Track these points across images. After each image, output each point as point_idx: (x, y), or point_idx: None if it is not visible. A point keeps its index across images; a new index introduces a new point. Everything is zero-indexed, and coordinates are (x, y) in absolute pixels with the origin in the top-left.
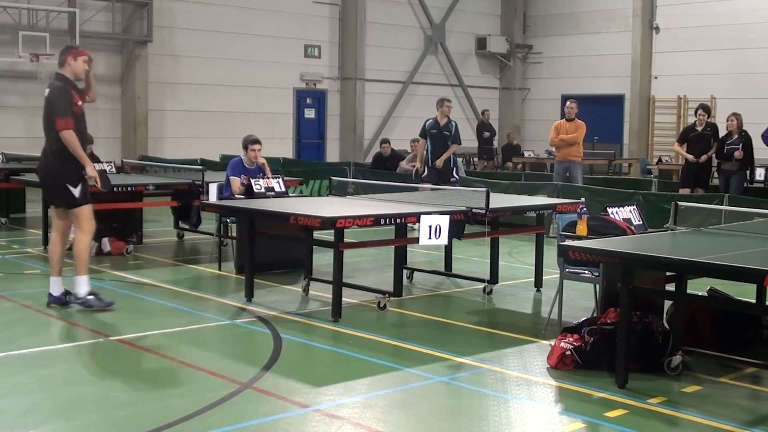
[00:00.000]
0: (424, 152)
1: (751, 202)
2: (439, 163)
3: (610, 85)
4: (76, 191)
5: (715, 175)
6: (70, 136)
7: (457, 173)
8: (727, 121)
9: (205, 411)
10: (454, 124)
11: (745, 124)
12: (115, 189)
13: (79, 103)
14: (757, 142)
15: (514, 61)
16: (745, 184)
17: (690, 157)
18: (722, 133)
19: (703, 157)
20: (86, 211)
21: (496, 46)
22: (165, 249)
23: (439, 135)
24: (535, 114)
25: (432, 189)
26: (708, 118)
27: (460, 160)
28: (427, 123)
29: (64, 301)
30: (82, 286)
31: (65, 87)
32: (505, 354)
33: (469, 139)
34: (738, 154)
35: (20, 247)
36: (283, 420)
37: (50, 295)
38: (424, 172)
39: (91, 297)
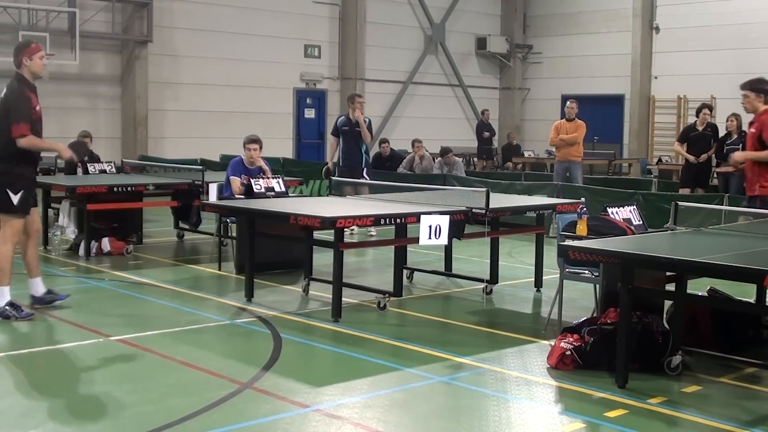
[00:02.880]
0: (336, 151)
1: None
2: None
3: (610, 85)
4: (15, 198)
5: (715, 175)
6: (28, 142)
7: (367, 173)
8: (727, 121)
9: (205, 411)
10: (368, 120)
11: (744, 125)
12: (115, 189)
13: (37, 107)
14: None
15: (514, 61)
16: (745, 184)
17: (691, 158)
18: (722, 133)
19: (703, 156)
20: (17, 223)
21: (496, 46)
22: (165, 249)
23: (351, 132)
24: (535, 114)
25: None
26: (709, 118)
27: (460, 160)
28: (339, 120)
29: (47, 300)
30: (0, 297)
31: (23, 90)
32: (505, 354)
33: (469, 139)
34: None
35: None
36: (283, 420)
37: (31, 296)
38: (334, 171)
39: (8, 308)
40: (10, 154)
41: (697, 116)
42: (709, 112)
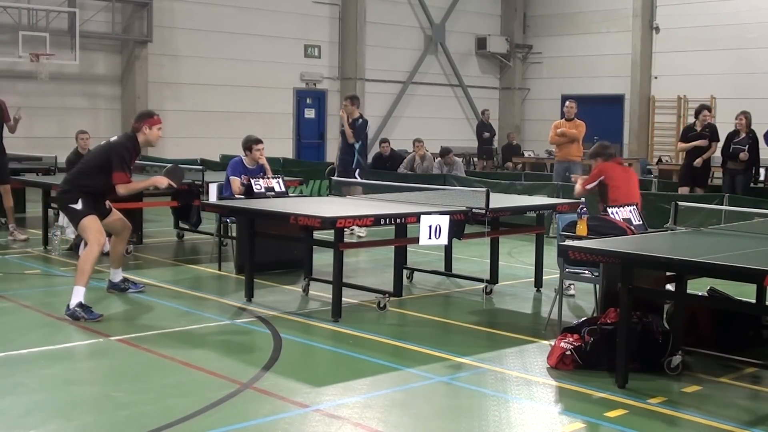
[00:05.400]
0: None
1: (752, 202)
2: None
3: (610, 85)
4: (78, 205)
5: (716, 174)
6: (126, 189)
7: (359, 174)
8: (736, 119)
9: (205, 411)
10: (361, 120)
11: (753, 124)
12: None
13: (131, 166)
14: (759, 143)
15: (514, 61)
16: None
17: (689, 145)
18: (721, 132)
19: (707, 154)
20: (87, 222)
21: (496, 46)
22: (165, 249)
23: (342, 133)
24: (535, 114)
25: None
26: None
27: (460, 160)
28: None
29: (121, 287)
30: (74, 296)
31: (131, 147)
32: (505, 354)
33: (469, 139)
34: (743, 156)
35: (20, 247)
36: (283, 420)
37: (109, 281)
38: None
39: (78, 309)
40: (84, 186)
41: (697, 117)
42: (708, 114)
